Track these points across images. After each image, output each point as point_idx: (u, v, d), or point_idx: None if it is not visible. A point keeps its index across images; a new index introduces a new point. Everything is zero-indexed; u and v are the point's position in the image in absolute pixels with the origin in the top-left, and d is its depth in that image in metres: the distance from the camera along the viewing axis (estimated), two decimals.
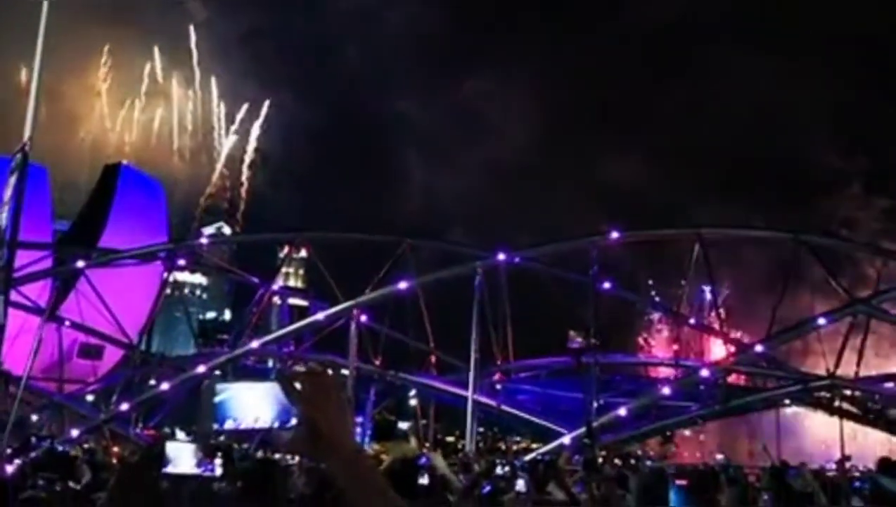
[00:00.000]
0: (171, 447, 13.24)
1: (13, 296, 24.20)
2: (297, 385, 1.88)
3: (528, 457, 27.61)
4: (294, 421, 1.93)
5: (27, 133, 18.98)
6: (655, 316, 43.80)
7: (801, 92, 54.23)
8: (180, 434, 25.50)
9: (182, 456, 12.81)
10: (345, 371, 34.02)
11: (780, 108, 55.69)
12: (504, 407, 33.28)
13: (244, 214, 78.55)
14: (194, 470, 12.49)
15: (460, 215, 51.33)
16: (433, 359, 36.33)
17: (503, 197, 49.42)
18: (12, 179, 19.16)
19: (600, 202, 52.75)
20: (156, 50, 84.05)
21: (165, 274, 37.67)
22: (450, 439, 41.20)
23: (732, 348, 33.72)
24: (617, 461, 25.68)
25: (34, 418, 31.05)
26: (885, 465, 8.69)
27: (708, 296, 34.82)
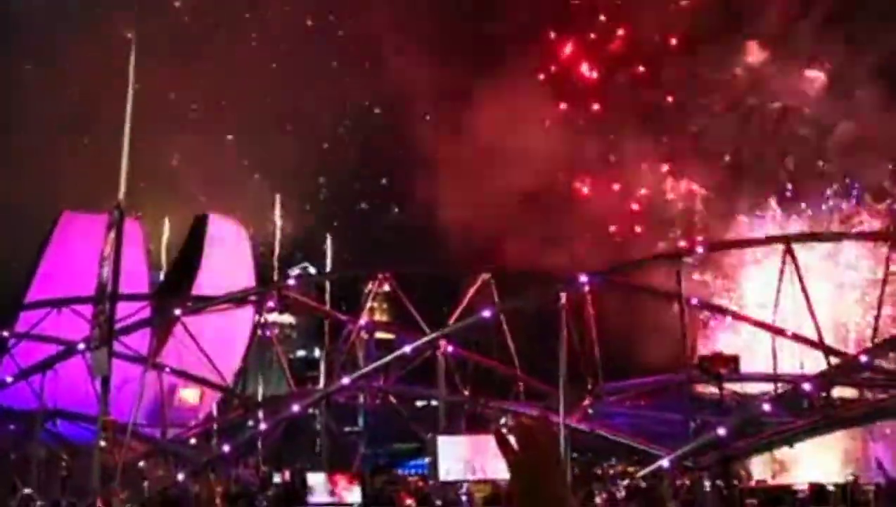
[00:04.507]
0: (311, 478, 13.89)
1: (116, 346, 25.41)
2: (512, 440, 1.89)
3: (625, 482, 27.10)
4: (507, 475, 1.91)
5: (121, 191, 20.02)
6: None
7: None
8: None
9: (320, 487, 13.54)
10: (434, 402, 34.14)
11: None
12: (598, 431, 32.75)
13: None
14: (329, 499, 13.14)
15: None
16: (521, 386, 36.13)
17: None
18: (111, 235, 20.24)
19: None
20: None
21: (256, 316, 38.78)
22: None
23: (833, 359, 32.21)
24: (718, 482, 24.96)
25: (140, 463, 32.24)
26: None
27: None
